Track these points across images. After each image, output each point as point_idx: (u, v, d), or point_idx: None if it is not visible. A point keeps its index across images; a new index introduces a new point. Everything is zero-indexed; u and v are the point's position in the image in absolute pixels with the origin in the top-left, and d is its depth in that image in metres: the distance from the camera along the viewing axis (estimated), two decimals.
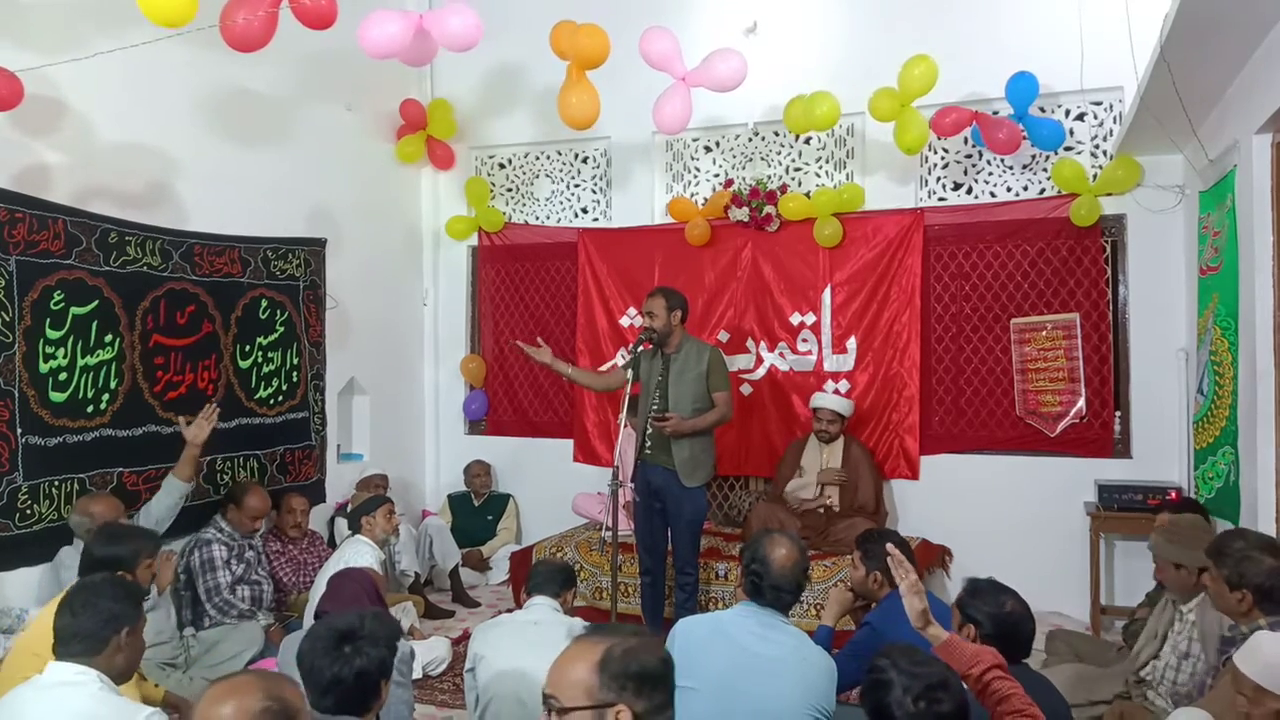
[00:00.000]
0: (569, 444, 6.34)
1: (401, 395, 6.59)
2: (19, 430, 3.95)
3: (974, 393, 5.54)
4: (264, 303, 5.29)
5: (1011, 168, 5.47)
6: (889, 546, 2.60)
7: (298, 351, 5.53)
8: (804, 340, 5.78)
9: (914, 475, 5.57)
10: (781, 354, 5.83)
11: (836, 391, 5.64)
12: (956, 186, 5.60)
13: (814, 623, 4.02)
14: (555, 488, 6.08)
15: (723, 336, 5.91)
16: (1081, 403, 5.26)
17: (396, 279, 6.55)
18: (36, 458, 4.03)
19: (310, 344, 5.63)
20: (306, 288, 5.59)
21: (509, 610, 5.37)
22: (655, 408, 4.53)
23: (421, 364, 6.80)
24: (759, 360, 5.89)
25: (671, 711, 1.66)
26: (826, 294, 5.71)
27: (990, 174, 5.53)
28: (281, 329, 5.41)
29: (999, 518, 5.35)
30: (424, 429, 6.82)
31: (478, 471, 6.38)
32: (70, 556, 3.98)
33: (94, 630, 2.37)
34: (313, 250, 5.63)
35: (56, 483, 4.13)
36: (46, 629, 2.77)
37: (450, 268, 6.80)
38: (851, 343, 5.69)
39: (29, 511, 4.01)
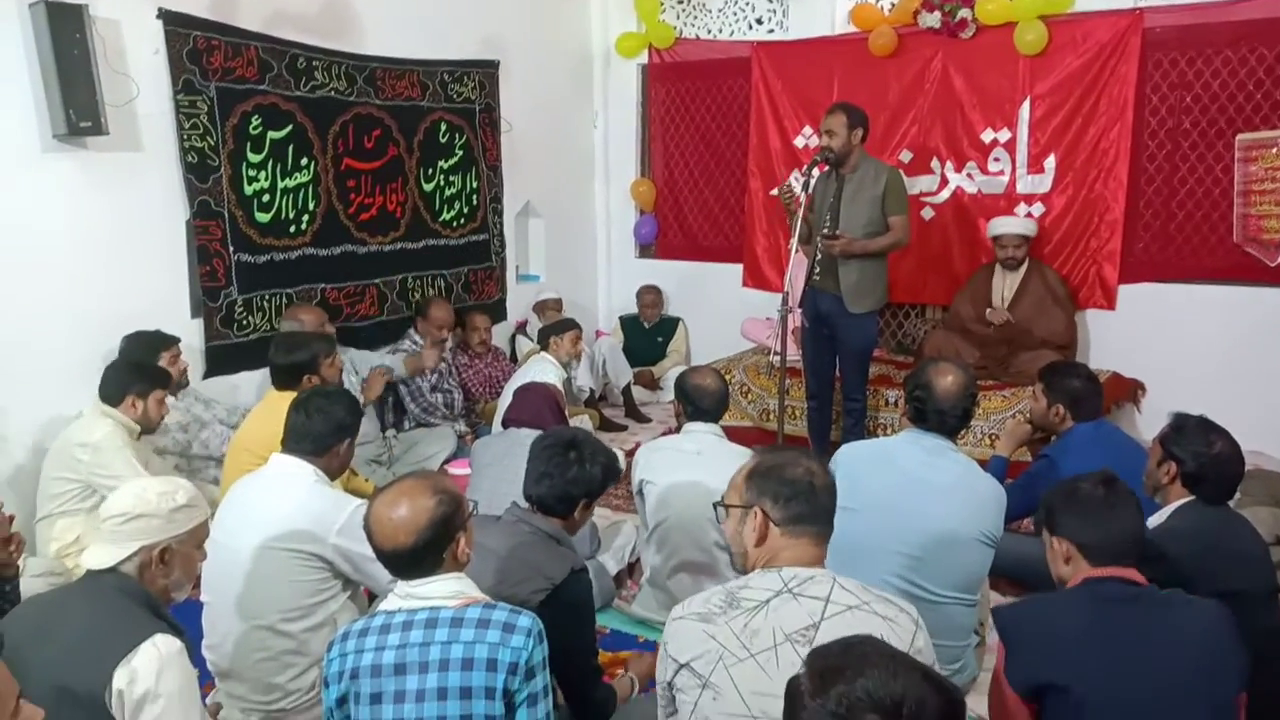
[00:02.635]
0: (738, 269, 6.29)
1: (574, 218, 6.68)
2: (231, 248, 4.30)
3: (1186, 217, 5.04)
4: (443, 126, 5.40)
5: None
6: None
7: (476, 175, 5.66)
8: (995, 160, 5.37)
9: (1110, 305, 5.21)
10: (969, 175, 5.46)
11: (1029, 215, 5.27)
12: None
13: (988, 453, 3.96)
14: (724, 312, 6.09)
15: (905, 157, 5.58)
16: None
17: (567, 101, 6.50)
18: (248, 274, 4.39)
19: (488, 167, 5.75)
20: (482, 111, 5.65)
21: (679, 427, 5.56)
22: (826, 229, 4.37)
23: (592, 187, 6.83)
24: (943, 182, 5.54)
25: (814, 528, 1.78)
26: (1025, 107, 5.24)
27: None
28: (460, 152, 5.54)
29: (1201, 351, 4.97)
30: (596, 252, 6.93)
31: (649, 300, 6.47)
32: None
33: (323, 434, 2.60)
34: (486, 73, 5.65)
35: (267, 296, 4.50)
36: (261, 428, 3.10)
37: (620, 89, 6.67)
38: (1050, 162, 5.24)
39: (245, 322, 4.41)
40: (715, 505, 1.90)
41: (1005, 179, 5.36)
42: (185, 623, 2.00)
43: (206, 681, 2.43)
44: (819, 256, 4.43)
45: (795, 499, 1.77)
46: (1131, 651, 1.77)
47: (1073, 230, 5.23)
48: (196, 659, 1.97)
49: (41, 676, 1.68)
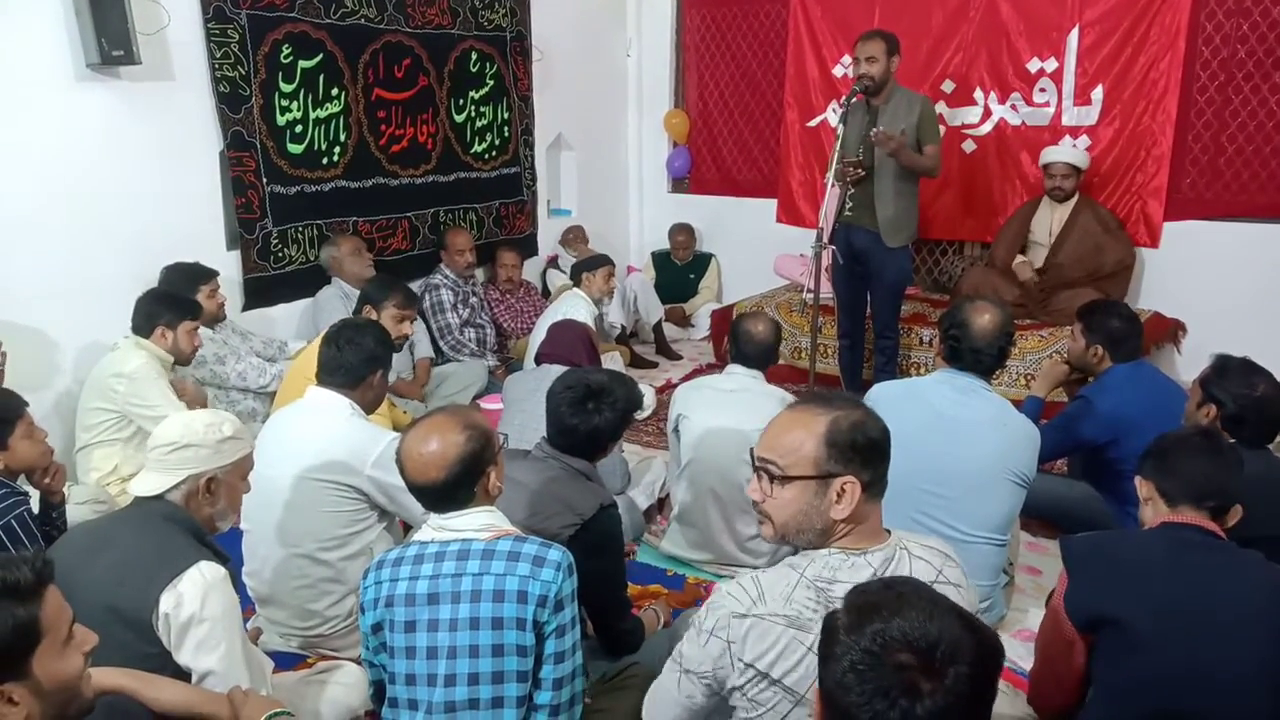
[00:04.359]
0: (772, 204, 6.20)
1: (606, 151, 6.60)
2: (265, 180, 4.30)
3: (1236, 151, 4.88)
4: (474, 55, 5.32)
5: None
6: None
7: (508, 106, 5.60)
8: (1041, 90, 5.21)
9: (1153, 243, 5.09)
10: (1014, 106, 5.30)
11: (1074, 148, 5.13)
12: None
13: (1023, 393, 3.92)
14: (757, 248, 6.03)
15: (947, 87, 5.43)
16: None
17: (600, 29, 6.37)
18: (281, 205, 4.39)
19: (519, 98, 5.67)
20: (513, 39, 5.56)
21: (709, 365, 5.57)
22: (860, 153, 4.28)
23: (625, 119, 6.73)
24: (986, 113, 5.39)
25: (886, 482, 1.62)
26: (1073, 36, 5.06)
27: None
28: (491, 82, 5.47)
29: (1245, 291, 4.85)
30: (628, 186, 6.86)
31: (681, 240, 6.41)
32: (329, 295, 4.45)
33: (355, 365, 2.62)
34: None
35: (301, 228, 4.52)
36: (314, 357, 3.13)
37: (654, 16, 6.51)
38: (1097, 93, 5.08)
39: (280, 255, 4.44)
40: (773, 479, 1.58)
41: (1050, 111, 5.21)
42: (227, 550, 2.05)
43: (248, 607, 2.50)
44: (851, 191, 4.35)
45: (884, 460, 1.58)
46: (1194, 599, 1.75)
47: (1118, 165, 5.09)
48: (238, 585, 2.02)
49: (91, 597, 1.74)
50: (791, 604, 1.50)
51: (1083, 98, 5.11)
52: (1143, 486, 1.98)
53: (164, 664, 1.85)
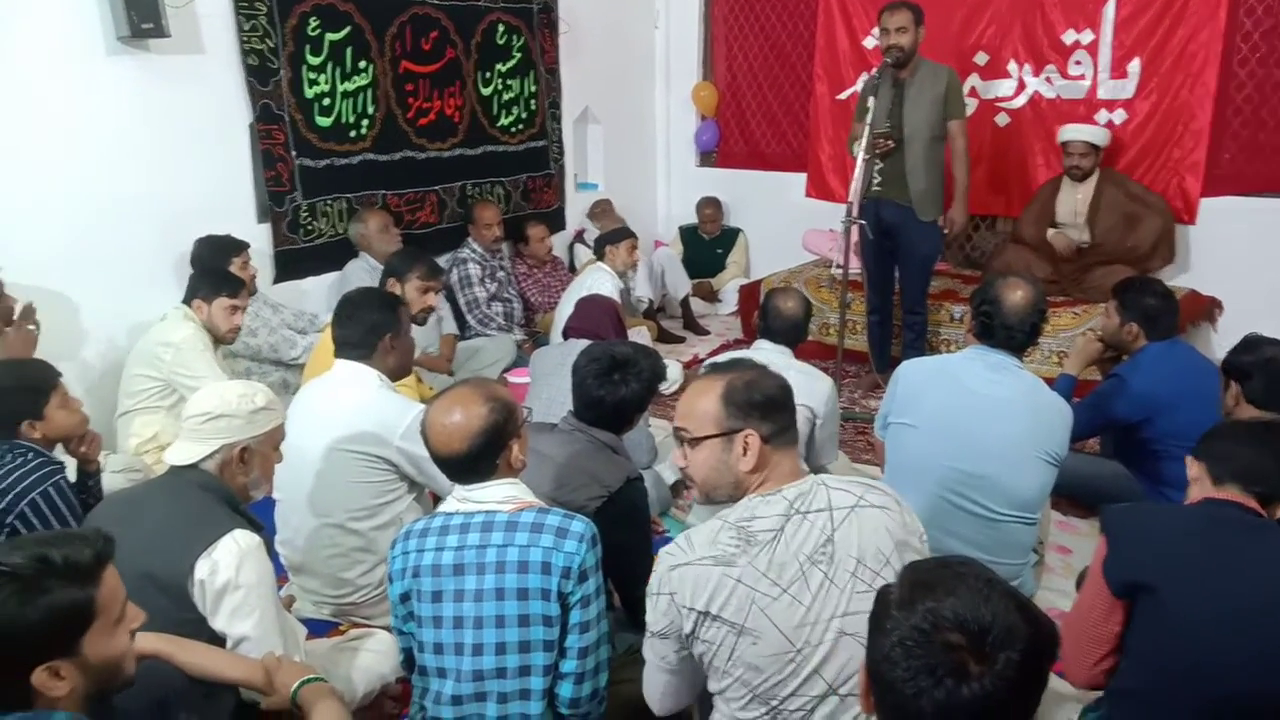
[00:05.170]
0: (801, 178, 6.13)
1: (633, 124, 6.56)
2: (294, 153, 4.32)
3: (1278, 125, 4.77)
4: (501, 27, 5.30)
5: None
6: None
7: (535, 79, 5.57)
8: (1076, 63, 5.11)
9: (1190, 219, 4.99)
10: (1048, 79, 5.20)
11: (1110, 123, 5.03)
12: None
13: (1055, 371, 3.88)
14: (785, 223, 5.98)
15: (980, 59, 5.34)
16: None
17: (627, 1, 6.30)
18: (310, 178, 4.41)
19: (546, 70, 5.64)
20: (540, 11, 5.52)
21: (736, 340, 5.56)
22: (888, 126, 4.24)
23: (653, 91, 6.68)
24: (1020, 86, 5.30)
25: (795, 433, 1.74)
26: (1110, 7, 4.94)
27: None
28: (518, 55, 5.44)
29: None
30: (655, 160, 6.82)
31: (709, 214, 6.37)
32: (355, 269, 4.48)
33: (361, 338, 2.63)
34: None
35: (329, 201, 4.54)
36: None
37: None
38: (1134, 65, 4.97)
39: (310, 228, 4.46)
40: (682, 442, 1.74)
41: (1086, 83, 5.11)
42: (260, 519, 2.08)
43: (281, 575, 2.53)
44: (879, 165, 4.31)
45: (781, 411, 1.71)
46: (1231, 573, 1.73)
47: (1155, 139, 4.99)
48: (272, 554, 2.05)
49: (128, 563, 1.76)
50: (716, 545, 1.62)
51: (1119, 70, 5.01)
52: (1193, 467, 1.97)
53: (199, 630, 1.88)
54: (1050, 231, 4.90)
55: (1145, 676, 1.79)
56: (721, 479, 1.71)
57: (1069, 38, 5.09)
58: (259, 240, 4.19)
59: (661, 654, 1.71)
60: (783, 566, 1.58)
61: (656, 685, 1.77)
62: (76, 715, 1.30)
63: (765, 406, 1.69)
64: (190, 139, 3.92)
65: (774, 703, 1.59)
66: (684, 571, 1.61)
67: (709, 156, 6.69)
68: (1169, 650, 1.73)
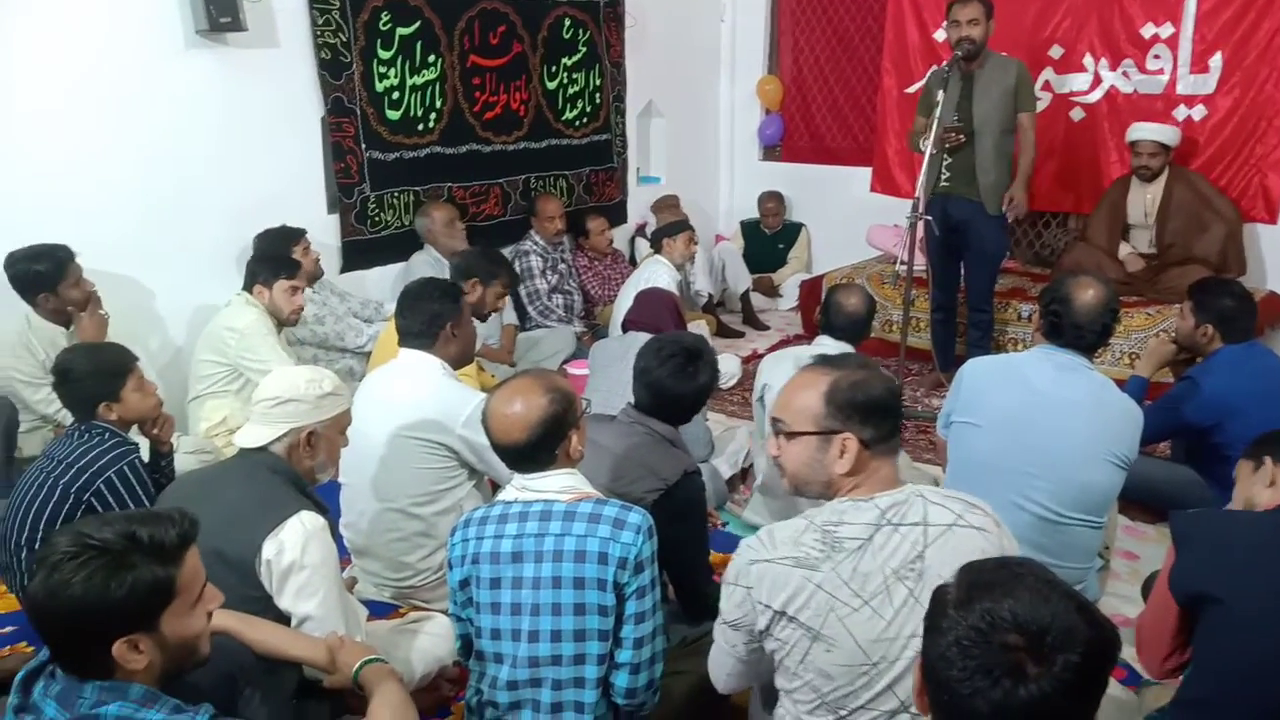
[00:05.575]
0: (865, 172, 6.06)
1: (697, 118, 6.54)
2: (363, 145, 4.40)
3: None
4: (567, 21, 5.33)
5: None
6: None
7: (600, 72, 5.59)
8: (1155, 57, 4.95)
9: (1271, 218, 4.81)
10: (1125, 73, 5.05)
11: (1189, 119, 4.87)
12: None
13: (1126, 373, 3.78)
14: (849, 218, 5.92)
15: (1055, 52, 5.21)
16: None
17: None
18: (379, 170, 4.50)
19: (611, 64, 5.66)
20: (606, 5, 5.54)
21: (796, 336, 5.52)
22: (956, 120, 4.16)
23: (717, 86, 6.66)
24: (1096, 80, 5.15)
25: (897, 440, 1.67)
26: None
27: None
28: (584, 49, 5.47)
29: None
30: (718, 153, 6.80)
31: (771, 208, 6.33)
32: (419, 261, 4.56)
33: (422, 328, 2.68)
34: None
35: (397, 193, 4.62)
36: None
37: None
38: (1216, 60, 4.80)
39: (377, 219, 4.55)
40: (779, 433, 1.70)
41: (1165, 78, 4.95)
42: (326, 502, 2.13)
43: (344, 557, 2.59)
44: (948, 160, 4.24)
45: (885, 417, 1.64)
46: None
47: (1236, 136, 4.82)
48: (336, 536, 2.10)
49: (199, 541, 1.83)
50: (799, 546, 1.57)
51: (1200, 65, 4.85)
52: (1244, 467, 1.91)
53: (265, 608, 1.94)
54: (1124, 251, 4.77)
55: (1212, 686, 1.74)
56: (813, 476, 1.66)
57: (1148, 31, 4.94)
58: (327, 231, 4.28)
59: (732, 642, 1.70)
60: (866, 577, 1.53)
61: (723, 667, 1.77)
62: (151, 689, 1.35)
63: (868, 410, 1.62)
64: (264, 131, 4.02)
65: (842, 712, 1.55)
66: (763, 569, 1.58)
67: (772, 150, 6.64)
68: (1236, 662, 1.68)
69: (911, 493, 1.61)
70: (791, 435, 1.67)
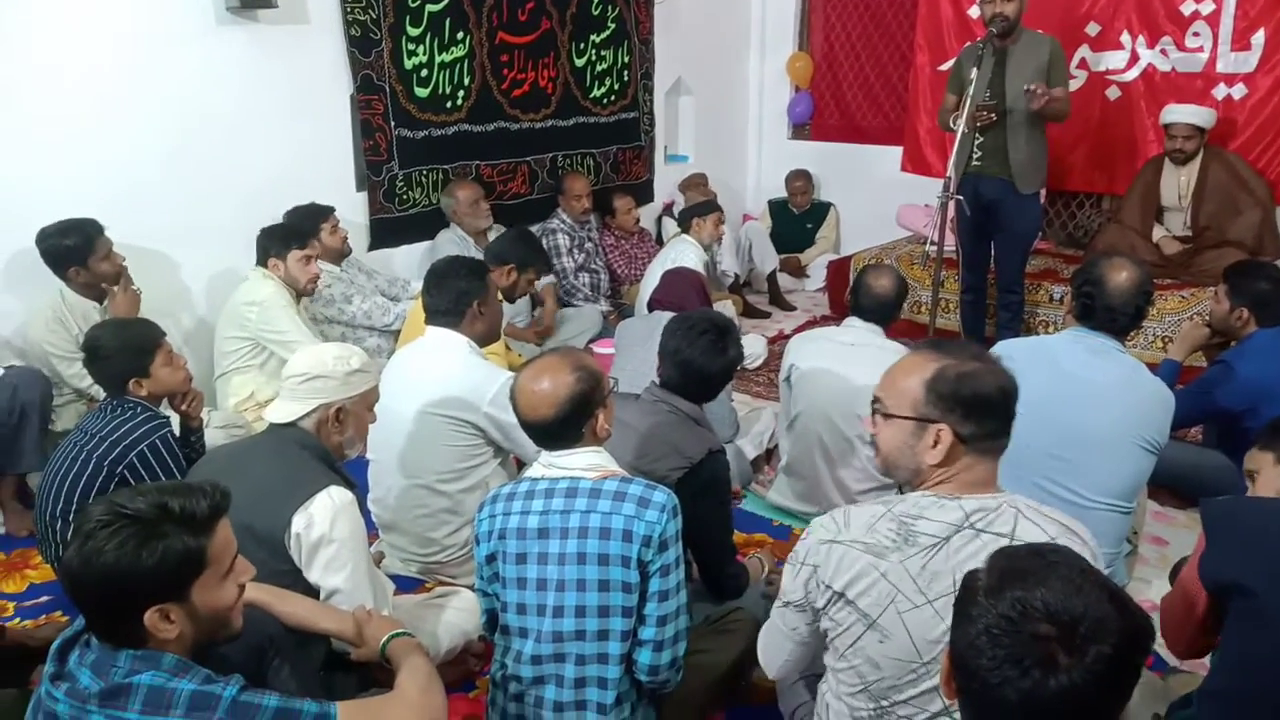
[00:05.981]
0: (897, 151, 5.98)
1: (725, 96, 6.50)
2: (392, 123, 4.41)
3: None
4: None
5: None
6: None
7: (628, 49, 5.56)
8: (1195, 34, 4.84)
9: None
10: (1163, 51, 4.94)
11: (1228, 98, 4.77)
12: None
13: (1159, 356, 3.73)
14: (879, 198, 5.86)
15: (1092, 30, 5.10)
16: None
17: None
18: (407, 148, 4.51)
19: (640, 41, 5.62)
20: None
21: (823, 316, 5.49)
22: (989, 97, 4.10)
23: (746, 63, 6.60)
24: (1134, 58, 5.04)
25: (1006, 440, 1.59)
26: None
27: None
28: (613, 25, 5.43)
29: None
30: (747, 131, 6.75)
31: (799, 187, 6.28)
32: (445, 239, 4.57)
33: (449, 306, 2.70)
34: None
35: (425, 171, 4.63)
36: None
37: None
38: (1258, 37, 4.68)
39: (405, 197, 4.56)
40: (876, 412, 1.66)
41: (1204, 56, 4.84)
42: (354, 477, 2.16)
43: (372, 532, 2.62)
44: (979, 139, 4.18)
45: (990, 415, 1.55)
46: None
47: (1277, 115, 4.71)
48: (364, 511, 2.13)
49: (230, 515, 1.86)
50: (873, 533, 1.54)
51: (1241, 43, 4.73)
52: (1262, 458, 1.88)
53: (295, 581, 1.97)
54: (1158, 234, 4.68)
55: (1238, 678, 1.72)
56: (904, 461, 1.61)
57: (1187, 8, 4.82)
58: (355, 209, 4.30)
59: (793, 625, 1.68)
60: (935, 576, 1.49)
61: (780, 652, 1.76)
62: (183, 659, 1.38)
63: (972, 404, 1.54)
64: (293, 108, 4.04)
65: (884, 702, 1.55)
66: (833, 549, 1.56)
67: (801, 129, 6.59)
68: (1266, 654, 1.66)
69: (1005, 501, 1.54)
70: (888, 416, 1.63)
